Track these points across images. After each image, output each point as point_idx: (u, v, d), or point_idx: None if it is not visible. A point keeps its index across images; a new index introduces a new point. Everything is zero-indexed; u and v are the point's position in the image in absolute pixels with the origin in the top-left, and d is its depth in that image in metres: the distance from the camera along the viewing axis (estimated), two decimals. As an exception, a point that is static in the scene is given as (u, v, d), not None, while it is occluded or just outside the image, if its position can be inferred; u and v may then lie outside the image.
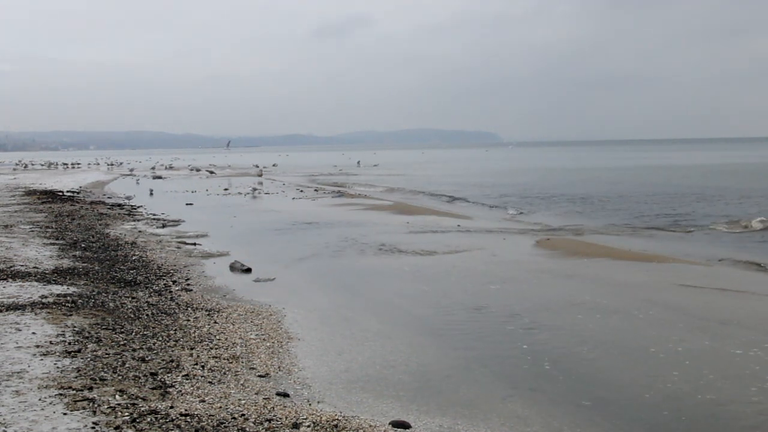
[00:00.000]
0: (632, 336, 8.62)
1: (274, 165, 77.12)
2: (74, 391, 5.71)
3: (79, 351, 6.90)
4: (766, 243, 17.22)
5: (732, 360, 7.68)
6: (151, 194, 34.79)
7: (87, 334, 7.55)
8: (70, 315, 8.35)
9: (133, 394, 5.83)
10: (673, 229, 20.14)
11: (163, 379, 6.44)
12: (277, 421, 5.57)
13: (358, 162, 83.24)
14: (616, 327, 9.03)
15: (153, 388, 6.11)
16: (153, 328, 8.35)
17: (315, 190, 38.57)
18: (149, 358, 7.07)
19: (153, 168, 73.06)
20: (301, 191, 37.44)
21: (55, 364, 6.44)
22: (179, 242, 16.65)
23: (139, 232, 18.45)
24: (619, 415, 6.31)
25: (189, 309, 9.62)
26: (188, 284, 11.58)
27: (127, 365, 6.69)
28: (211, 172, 62.09)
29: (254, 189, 36.51)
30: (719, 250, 16.13)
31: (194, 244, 16.53)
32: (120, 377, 6.30)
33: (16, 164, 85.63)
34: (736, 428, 6.04)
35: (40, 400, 5.48)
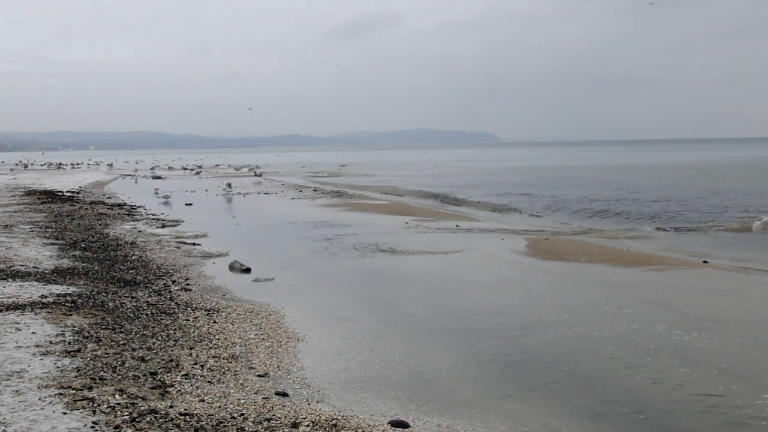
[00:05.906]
0: (631, 337, 8.64)
1: (266, 165, 80.00)
2: (74, 391, 5.72)
3: (78, 351, 6.92)
4: (763, 244, 17.24)
5: (732, 360, 7.70)
6: (156, 193, 34.24)
7: (87, 334, 7.57)
8: (70, 315, 8.37)
9: (132, 394, 5.84)
10: (676, 230, 20.15)
11: (162, 379, 6.46)
12: (277, 420, 5.59)
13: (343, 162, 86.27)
14: (614, 328, 9.04)
15: (152, 388, 6.13)
16: (152, 327, 8.37)
17: (314, 190, 38.61)
18: (149, 357, 7.09)
19: (153, 168, 73.21)
20: (300, 191, 37.48)
21: (54, 363, 6.45)
22: (179, 242, 16.68)
23: (139, 232, 18.47)
24: (618, 415, 6.33)
25: (188, 309, 9.64)
26: (187, 284, 11.60)
27: (126, 365, 6.71)
28: (234, 170, 63.46)
29: (254, 189, 36.54)
30: (719, 249, 16.16)
31: (194, 244, 16.56)
32: (119, 377, 6.32)
33: (16, 164, 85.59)
34: (737, 428, 6.06)
35: (39, 399, 5.50)
